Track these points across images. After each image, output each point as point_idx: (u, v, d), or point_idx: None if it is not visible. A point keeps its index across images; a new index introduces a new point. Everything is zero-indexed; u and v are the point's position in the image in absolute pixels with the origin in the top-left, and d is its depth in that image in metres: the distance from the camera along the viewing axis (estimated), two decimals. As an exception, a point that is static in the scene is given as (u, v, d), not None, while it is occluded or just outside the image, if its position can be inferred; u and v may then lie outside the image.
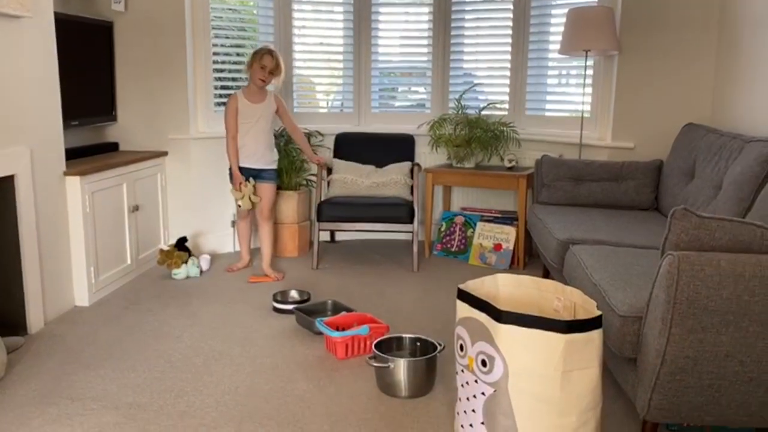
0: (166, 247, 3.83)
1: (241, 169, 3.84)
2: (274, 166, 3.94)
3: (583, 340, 1.83)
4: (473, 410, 1.98)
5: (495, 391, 1.89)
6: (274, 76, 3.82)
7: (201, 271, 3.92)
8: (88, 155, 3.79)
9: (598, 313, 1.87)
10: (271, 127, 3.90)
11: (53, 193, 3.17)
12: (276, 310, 3.29)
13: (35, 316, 3.01)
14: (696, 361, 1.84)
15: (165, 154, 4.14)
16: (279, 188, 4.23)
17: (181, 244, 3.88)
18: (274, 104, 3.88)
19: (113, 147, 4.10)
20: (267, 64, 3.75)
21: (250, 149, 3.82)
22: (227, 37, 4.35)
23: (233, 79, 4.37)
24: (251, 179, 3.85)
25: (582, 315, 1.99)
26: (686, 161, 3.40)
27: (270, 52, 3.79)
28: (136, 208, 3.79)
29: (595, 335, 1.86)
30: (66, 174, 3.25)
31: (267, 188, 3.91)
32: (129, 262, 3.75)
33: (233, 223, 4.38)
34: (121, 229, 3.68)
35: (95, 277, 3.41)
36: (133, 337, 2.96)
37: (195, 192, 4.23)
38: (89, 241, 3.34)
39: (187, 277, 3.83)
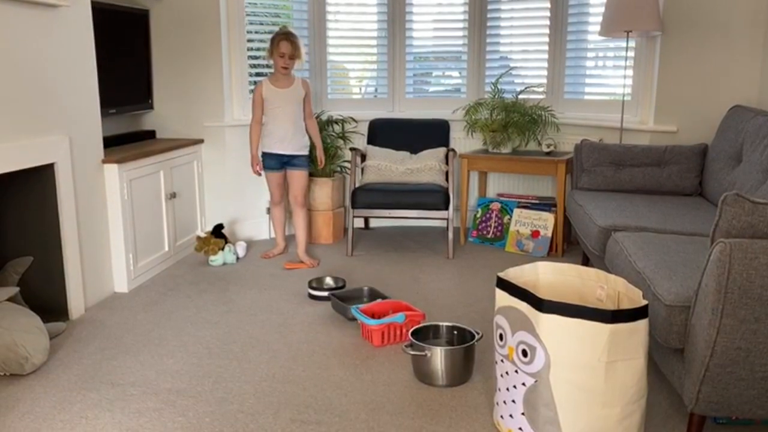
0: (203, 234, 3.86)
1: (272, 155, 3.83)
2: (305, 152, 3.91)
3: (628, 331, 1.77)
4: (513, 401, 1.94)
5: (536, 381, 1.85)
6: (296, 60, 3.76)
7: (237, 258, 3.94)
8: (125, 143, 3.83)
9: (644, 302, 1.81)
10: (300, 113, 3.86)
11: (92, 181, 3.20)
12: (311, 296, 3.29)
13: (76, 302, 3.06)
14: (748, 353, 1.77)
15: (201, 141, 4.16)
16: (312, 175, 4.22)
17: (217, 231, 3.91)
18: (302, 90, 3.84)
19: (150, 135, 4.14)
20: (285, 50, 3.70)
21: (279, 134, 3.80)
22: (261, 24, 4.33)
23: (268, 66, 4.36)
24: (227, 247, 3.88)
25: (626, 304, 1.93)
26: (733, 145, 3.28)
27: (286, 37, 3.72)
28: (173, 196, 3.82)
29: (641, 325, 1.80)
30: (104, 162, 3.28)
31: (299, 175, 3.89)
32: (167, 248, 3.79)
33: (268, 210, 4.39)
34: (159, 216, 3.71)
35: (134, 263, 3.45)
36: (171, 324, 2.98)
37: (230, 179, 4.25)
38: (128, 228, 3.38)
39: (224, 264, 3.85)
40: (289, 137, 3.82)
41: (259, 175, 3.90)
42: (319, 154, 3.98)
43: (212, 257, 3.83)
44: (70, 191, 3.00)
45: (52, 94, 2.91)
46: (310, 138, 3.95)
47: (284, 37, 3.73)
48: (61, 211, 2.95)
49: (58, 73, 2.94)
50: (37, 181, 2.92)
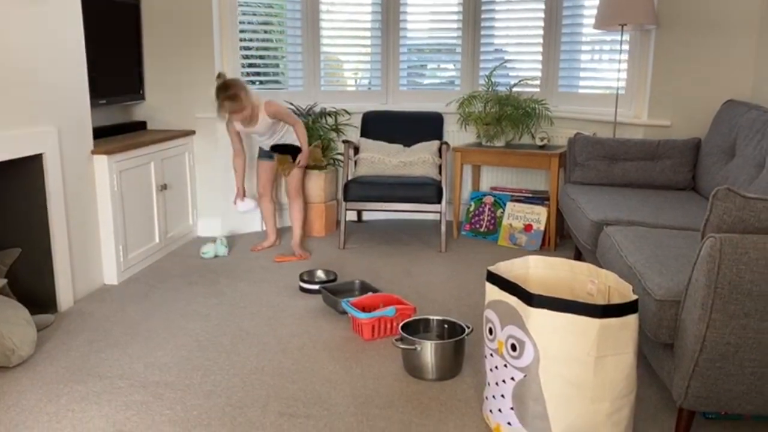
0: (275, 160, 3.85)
1: (267, 150, 3.83)
2: (297, 143, 3.88)
3: (618, 325, 1.76)
4: (502, 395, 1.93)
5: (525, 376, 1.84)
6: (245, 108, 3.54)
7: (228, 251, 3.91)
8: (116, 134, 3.80)
9: (634, 297, 1.80)
10: (274, 133, 3.80)
11: (81, 172, 3.17)
12: (302, 289, 3.28)
13: (65, 294, 3.04)
14: (738, 348, 1.76)
15: (192, 133, 4.13)
16: (306, 167, 4.19)
17: (282, 149, 3.84)
18: (268, 118, 3.69)
19: (141, 126, 4.11)
20: (228, 110, 3.55)
21: (264, 142, 3.85)
22: (254, 14, 4.30)
23: (261, 57, 4.33)
24: (219, 239, 3.86)
25: (617, 299, 1.93)
26: (726, 139, 3.27)
27: (224, 95, 3.51)
28: (164, 187, 3.80)
29: (631, 320, 1.79)
30: (94, 153, 3.25)
31: (293, 168, 3.88)
32: (157, 240, 3.77)
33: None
34: (149, 208, 3.68)
35: (124, 255, 3.43)
36: (161, 316, 2.97)
37: (222, 171, 4.22)
38: (117, 220, 3.35)
39: (215, 256, 3.83)
40: (274, 139, 3.83)
41: (235, 203, 3.89)
42: (303, 157, 3.83)
43: (204, 250, 3.80)
44: (59, 182, 2.98)
45: (41, 84, 2.87)
46: (312, 128, 3.95)
47: (222, 96, 3.53)
48: (49, 202, 2.92)
49: (47, 63, 2.91)
50: (26, 172, 2.89)
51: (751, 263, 1.70)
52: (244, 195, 3.88)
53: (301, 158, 3.83)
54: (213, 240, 3.88)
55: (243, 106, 3.55)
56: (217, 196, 4.24)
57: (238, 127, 3.73)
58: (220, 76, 3.62)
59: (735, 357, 1.77)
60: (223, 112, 3.59)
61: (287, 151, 3.82)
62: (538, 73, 4.51)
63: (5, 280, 2.73)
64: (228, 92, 3.52)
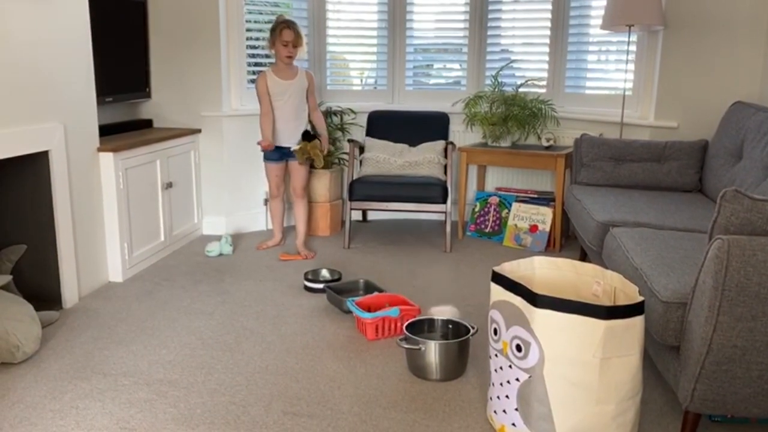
0: (298, 147, 3.78)
1: (273, 152, 3.82)
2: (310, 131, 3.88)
3: (623, 327, 1.75)
4: (507, 396, 1.92)
5: (530, 377, 1.83)
6: (298, 48, 3.72)
7: (233, 249, 3.91)
8: (122, 132, 3.80)
9: (640, 298, 1.79)
10: (303, 105, 3.83)
11: (87, 170, 3.18)
12: (307, 288, 3.27)
13: (70, 292, 3.04)
14: (745, 351, 1.75)
15: (198, 131, 4.13)
16: (313, 167, 4.19)
17: (307, 135, 3.81)
18: (306, 81, 3.81)
19: (147, 124, 4.11)
20: (287, 38, 3.66)
21: (281, 127, 3.78)
22: (260, 13, 4.29)
23: (266, 56, 4.32)
24: (224, 237, 3.83)
25: (622, 300, 1.92)
26: (734, 141, 3.25)
27: (288, 25, 3.68)
28: (169, 185, 3.80)
29: (637, 322, 1.78)
30: (100, 150, 3.25)
31: (299, 168, 3.87)
32: (162, 238, 3.77)
33: (266, 201, 4.37)
34: (155, 205, 3.69)
35: (129, 253, 3.43)
36: (165, 314, 2.97)
37: (227, 169, 4.22)
38: (123, 218, 3.36)
39: (220, 255, 3.83)
40: (290, 130, 3.79)
41: (262, 147, 3.79)
42: (324, 143, 3.87)
43: (209, 248, 3.81)
44: (65, 179, 2.98)
45: (48, 81, 2.88)
46: (313, 129, 3.92)
47: (286, 25, 3.68)
48: (55, 199, 2.92)
49: (54, 60, 2.91)
50: (32, 169, 2.90)
51: (759, 265, 1.68)
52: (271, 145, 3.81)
53: (324, 144, 3.85)
54: (218, 238, 3.88)
55: (298, 41, 3.69)
56: (222, 194, 4.24)
57: (273, 82, 3.72)
58: (280, 17, 3.76)
59: (742, 360, 1.76)
60: (279, 40, 3.65)
61: (305, 137, 3.82)
62: (545, 74, 4.49)
63: (11, 277, 2.74)
64: (291, 23, 3.68)
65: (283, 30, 3.67)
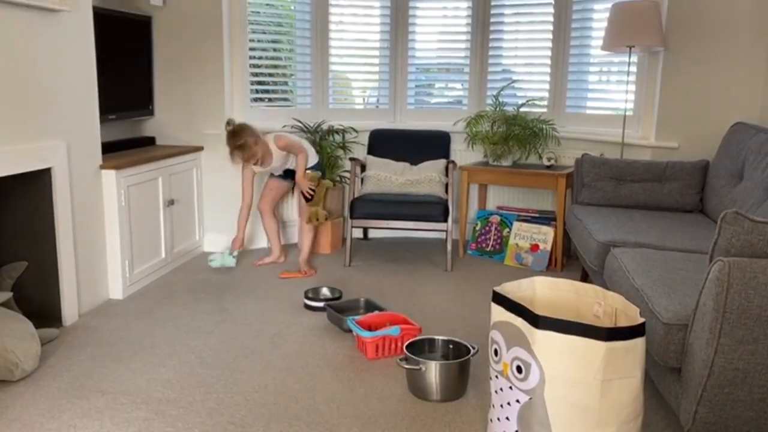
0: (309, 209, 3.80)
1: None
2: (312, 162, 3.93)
3: (624, 348, 1.74)
4: (507, 418, 1.91)
5: (530, 398, 1.82)
6: (256, 156, 3.64)
7: (236, 261, 3.90)
8: (124, 149, 3.82)
9: (641, 320, 1.78)
10: (288, 159, 3.89)
11: (89, 187, 3.19)
12: (307, 307, 3.26)
13: (70, 309, 3.04)
14: (747, 374, 1.74)
15: (201, 149, 4.15)
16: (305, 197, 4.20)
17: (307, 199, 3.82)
18: (280, 152, 3.80)
19: (150, 141, 4.13)
20: (240, 160, 3.67)
21: (279, 170, 3.96)
22: (264, 33, 4.33)
23: (270, 75, 4.36)
24: (227, 249, 3.86)
25: (623, 321, 1.91)
26: (734, 162, 3.25)
27: (233, 145, 3.60)
28: (171, 203, 3.81)
29: (638, 343, 1.77)
30: (102, 167, 3.27)
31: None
32: (163, 255, 3.77)
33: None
34: (156, 223, 3.69)
35: (130, 270, 3.43)
36: (165, 332, 2.96)
37: (229, 187, 4.23)
38: (124, 235, 3.36)
39: (222, 266, 3.81)
40: (288, 164, 3.94)
41: (230, 252, 3.82)
42: (298, 176, 3.79)
43: (211, 257, 3.80)
44: (67, 196, 2.99)
45: (51, 98, 2.90)
46: (319, 146, 3.99)
47: (233, 146, 3.62)
48: (56, 216, 2.93)
49: (58, 78, 2.93)
50: (34, 186, 2.91)
51: (760, 288, 1.68)
52: (242, 245, 3.89)
53: (297, 179, 3.81)
54: (222, 252, 3.87)
55: (253, 153, 3.63)
56: (224, 212, 4.25)
57: (256, 170, 3.81)
58: (229, 123, 3.70)
59: (744, 383, 1.75)
60: (236, 161, 3.68)
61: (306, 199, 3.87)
62: (546, 94, 4.52)
63: (11, 294, 2.73)
64: (238, 141, 3.60)
65: (233, 154, 3.63)
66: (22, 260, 2.97)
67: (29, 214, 2.94)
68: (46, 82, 2.85)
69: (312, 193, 3.77)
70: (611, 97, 4.24)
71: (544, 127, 4.33)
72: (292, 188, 4.10)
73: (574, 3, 4.32)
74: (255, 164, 3.73)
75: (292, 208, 4.49)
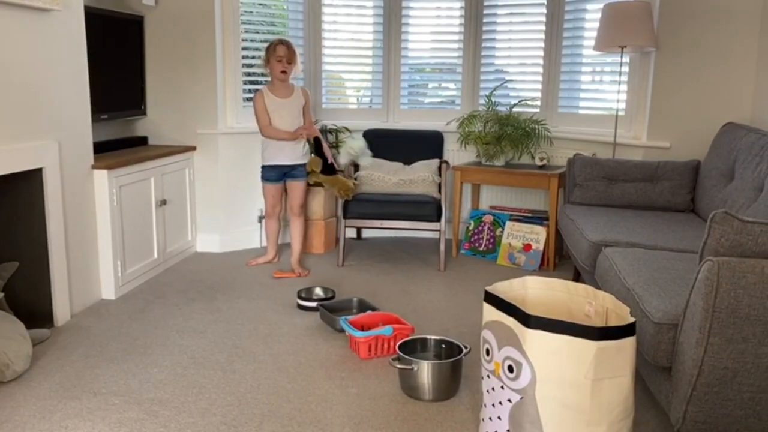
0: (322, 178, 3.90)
1: (272, 167, 3.82)
2: (305, 161, 3.89)
3: (615, 348, 1.75)
4: (499, 417, 1.91)
5: (522, 398, 1.82)
6: (292, 65, 3.76)
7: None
8: (116, 149, 3.81)
9: (632, 319, 1.79)
10: (299, 122, 3.85)
11: (81, 187, 3.18)
12: (300, 307, 3.26)
13: (62, 309, 3.03)
14: (736, 373, 1.75)
15: (193, 148, 4.14)
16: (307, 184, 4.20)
17: (330, 170, 3.89)
18: (302, 98, 3.84)
19: (142, 141, 4.12)
20: (281, 53, 3.70)
21: (279, 144, 3.79)
22: (257, 32, 4.33)
23: (262, 74, 4.35)
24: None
25: (614, 321, 1.92)
26: (725, 162, 3.27)
27: (282, 41, 3.74)
28: (163, 203, 3.80)
29: (628, 343, 1.78)
30: (94, 167, 3.26)
31: (298, 186, 3.88)
32: (156, 256, 3.76)
33: (260, 219, 4.37)
34: (149, 223, 3.68)
35: (122, 270, 3.42)
36: (158, 332, 2.95)
37: (222, 187, 4.23)
38: (116, 235, 3.35)
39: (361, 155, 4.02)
40: (289, 146, 3.80)
41: (301, 136, 3.82)
42: (326, 152, 3.92)
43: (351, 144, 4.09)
44: (58, 196, 2.98)
45: (42, 98, 2.89)
46: (321, 154, 3.94)
47: (280, 41, 3.74)
48: (48, 216, 2.92)
49: (49, 77, 2.92)
50: (25, 186, 2.90)
51: (749, 287, 1.69)
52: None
53: (327, 153, 3.90)
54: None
55: (292, 58, 3.73)
56: (216, 211, 4.24)
57: (270, 100, 3.74)
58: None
59: (733, 382, 1.76)
60: (277, 52, 3.69)
61: (325, 171, 3.93)
62: (539, 94, 4.53)
63: (2, 294, 2.72)
64: (284, 41, 3.74)
65: (277, 46, 3.71)
66: (14, 260, 2.95)
67: (21, 215, 2.93)
68: (37, 81, 2.84)
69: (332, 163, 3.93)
70: (603, 97, 4.26)
71: (536, 127, 4.34)
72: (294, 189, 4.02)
73: (566, 3, 4.33)
74: (283, 72, 3.70)
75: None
